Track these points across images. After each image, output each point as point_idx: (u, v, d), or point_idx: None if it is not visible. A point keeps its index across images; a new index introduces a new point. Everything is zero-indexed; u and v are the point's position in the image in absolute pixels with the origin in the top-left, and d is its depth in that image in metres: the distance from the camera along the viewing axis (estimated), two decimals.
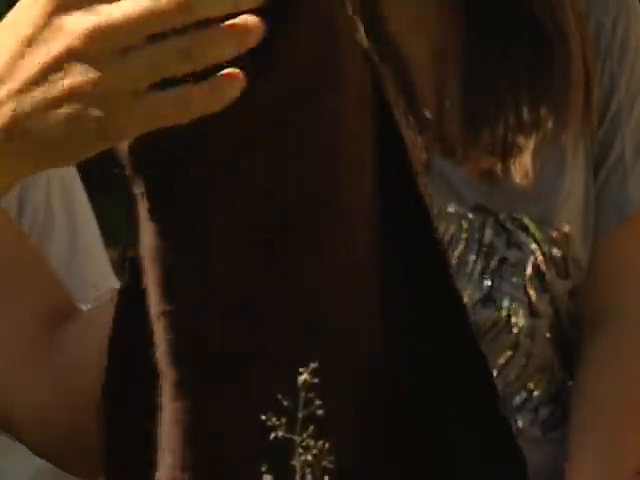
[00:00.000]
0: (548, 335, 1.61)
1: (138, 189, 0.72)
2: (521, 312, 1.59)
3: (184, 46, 0.62)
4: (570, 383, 1.69)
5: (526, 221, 1.60)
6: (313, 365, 0.67)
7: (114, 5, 0.63)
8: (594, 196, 1.62)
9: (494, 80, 1.41)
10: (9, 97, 0.67)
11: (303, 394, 0.67)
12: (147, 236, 0.74)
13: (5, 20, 0.68)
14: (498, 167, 1.35)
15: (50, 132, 0.66)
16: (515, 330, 1.64)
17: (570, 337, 1.68)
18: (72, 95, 0.64)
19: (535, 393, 1.73)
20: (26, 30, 0.66)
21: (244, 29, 0.62)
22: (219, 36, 0.62)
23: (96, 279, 1.38)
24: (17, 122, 0.66)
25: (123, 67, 0.64)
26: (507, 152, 1.36)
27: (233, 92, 0.63)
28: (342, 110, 0.79)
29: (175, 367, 0.75)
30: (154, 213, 0.73)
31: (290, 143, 0.77)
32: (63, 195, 1.43)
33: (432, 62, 1.44)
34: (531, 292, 1.59)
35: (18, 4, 0.67)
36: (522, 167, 1.41)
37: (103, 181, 1.81)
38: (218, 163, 0.77)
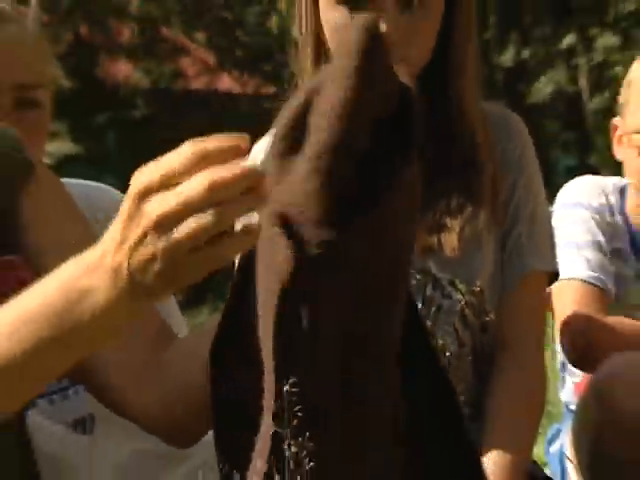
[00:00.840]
0: (470, 358, 1.79)
1: None
2: (450, 342, 1.78)
3: (220, 218, 0.80)
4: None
5: (455, 280, 1.77)
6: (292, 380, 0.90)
7: (175, 193, 0.81)
8: (500, 264, 1.80)
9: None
10: (123, 255, 0.86)
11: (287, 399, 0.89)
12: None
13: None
14: (434, 243, 1.61)
15: (141, 277, 0.85)
16: (447, 354, 1.80)
17: (485, 359, 1.82)
18: (152, 256, 0.84)
19: (460, 398, 1.79)
20: (125, 214, 0.86)
21: (258, 194, 0.80)
22: (243, 206, 0.81)
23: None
24: (123, 270, 0.86)
25: (182, 238, 0.82)
26: (440, 232, 1.61)
27: (254, 240, 0.84)
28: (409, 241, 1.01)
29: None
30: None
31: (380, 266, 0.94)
32: None
33: None
34: (458, 328, 1.77)
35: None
36: (451, 243, 1.66)
37: None
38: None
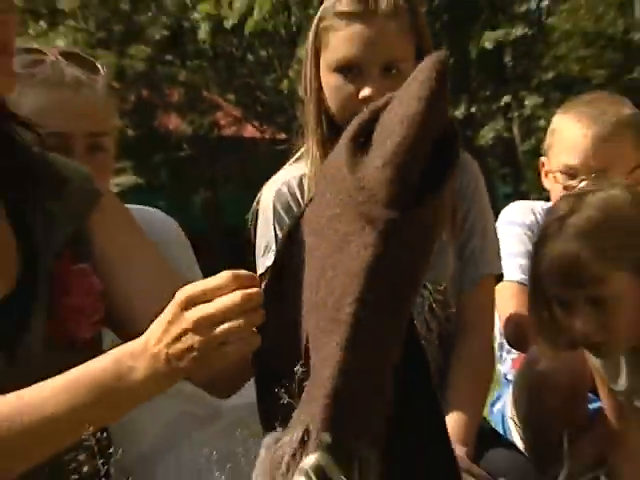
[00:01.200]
0: (437, 342, 1.74)
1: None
2: (421, 328, 1.69)
3: (248, 322, 0.84)
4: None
5: (425, 283, 1.70)
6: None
7: (214, 302, 0.83)
8: (458, 269, 1.76)
9: None
10: (163, 345, 0.87)
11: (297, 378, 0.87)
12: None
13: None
14: None
15: (177, 363, 0.86)
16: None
17: (448, 342, 1.78)
18: (189, 348, 0.85)
19: None
20: (169, 316, 0.87)
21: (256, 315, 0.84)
22: (261, 315, 0.84)
23: None
24: (162, 356, 0.87)
25: (217, 335, 0.84)
26: None
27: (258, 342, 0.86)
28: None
29: None
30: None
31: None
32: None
33: None
34: (427, 318, 1.72)
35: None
36: None
37: None
38: None
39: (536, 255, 1.46)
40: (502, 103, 12.58)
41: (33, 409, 0.90)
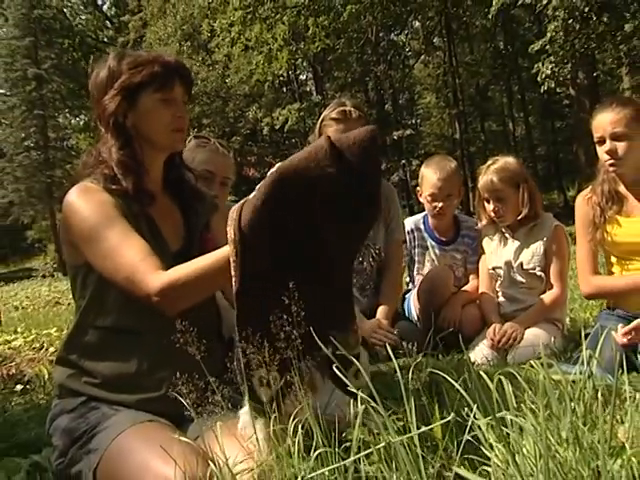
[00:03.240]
0: (375, 271, 2.69)
1: None
2: (368, 266, 2.61)
3: None
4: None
5: (370, 244, 2.65)
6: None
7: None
8: (385, 236, 2.66)
9: None
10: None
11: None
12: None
13: None
14: None
15: None
16: (367, 269, 2.68)
17: (380, 272, 2.73)
18: None
19: (371, 285, 2.72)
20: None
21: None
22: None
23: None
24: None
25: None
26: None
27: None
28: None
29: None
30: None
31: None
32: None
33: None
34: (371, 259, 2.70)
35: None
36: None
37: None
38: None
39: (478, 183, 2.64)
40: None
41: (195, 264, 1.21)
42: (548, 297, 2.61)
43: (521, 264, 2.65)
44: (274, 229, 1.00)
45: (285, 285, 0.99)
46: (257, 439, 1.01)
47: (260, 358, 1.00)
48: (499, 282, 2.72)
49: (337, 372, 0.95)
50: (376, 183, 1.07)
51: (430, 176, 2.81)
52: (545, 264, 2.64)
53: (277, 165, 1.01)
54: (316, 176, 0.98)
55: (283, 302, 1.00)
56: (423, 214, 2.98)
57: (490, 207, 2.64)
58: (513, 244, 2.68)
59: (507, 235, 2.71)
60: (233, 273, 1.03)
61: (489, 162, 2.69)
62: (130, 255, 1.24)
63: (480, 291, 2.76)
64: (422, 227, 2.97)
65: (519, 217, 2.63)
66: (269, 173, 1.01)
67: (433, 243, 2.95)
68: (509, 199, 2.61)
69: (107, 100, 1.43)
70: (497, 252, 2.73)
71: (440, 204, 2.81)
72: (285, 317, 1.00)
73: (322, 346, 0.98)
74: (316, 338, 0.97)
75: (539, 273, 2.63)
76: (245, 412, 1.06)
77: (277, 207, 0.98)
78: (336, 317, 1.12)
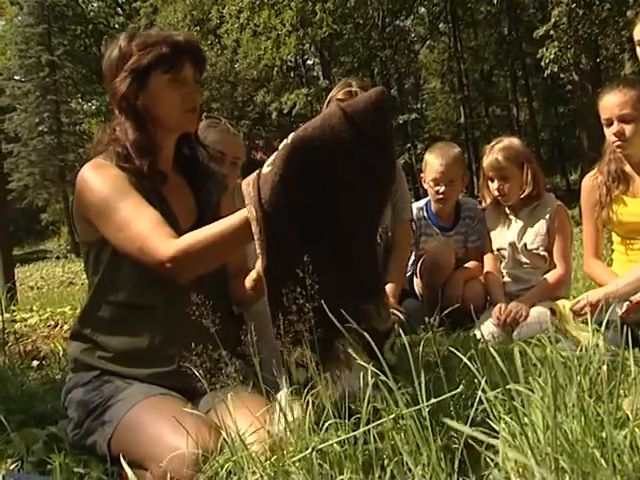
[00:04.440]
0: (383, 250, 2.62)
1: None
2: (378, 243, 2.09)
3: None
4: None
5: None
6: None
7: None
8: (392, 216, 2.63)
9: None
10: None
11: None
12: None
13: None
14: None
15: None
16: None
17: (388, 251, 2.68)
18: None
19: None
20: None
21: None
22: None
23: None
24: None
25: None
26: None
27: None
28: None
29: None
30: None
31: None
32: None
33: None
34: (379, 240, 2.55)
35: None
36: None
37: None
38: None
39: (482, 163, 2.66)
40: None
41: (207, 230, 1.20)
42: (552, 276, 2.61)
43: (525, 245, 2.65)
44: (295, 202, 0.99)
45: (311, 261, 0.97)
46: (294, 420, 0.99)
47: (294, 338, 0.99)
48: (504, 263, 2.72)
49: (374, 347, 0.93)
50: (389, 138, 1.05)
51: (433, 161, 2.82)
52: (548, 243, 2.64)
53: (291, 135, 0.99)
54: (332, 142, 0.97)
55: (310, 278, 0.98)
56: (426, 200, 2.99)
57: (494, 186, 2.64)
58: (517, 225, 2.68)
59: (511, 217, 2.70)
60: (259, 251, 1.01)
61: (493, 142, 2.68)
62: (143, 225, 1.23)
63: (485, 270, 2.75)
64: (425, 214, 2.97)
65: (522, 196, 2.62)
66: (282, 144, 0.99)
67: (436, 230, 2.95)
68: (513, 178, 2.61)
69: (118, 82, 1.42)
70: (501, 234, 2.72)
71: (442, 188, 2.80)
72: (313, 294, 0.98)
73: (353, 323, 0.97)
74: (347, 315, 0.96)
75: (542, 253, 2.64)
76: (283, 395, 1.05)
77: (297, 179, 0.96)
78: (365, 291, 1.10)
